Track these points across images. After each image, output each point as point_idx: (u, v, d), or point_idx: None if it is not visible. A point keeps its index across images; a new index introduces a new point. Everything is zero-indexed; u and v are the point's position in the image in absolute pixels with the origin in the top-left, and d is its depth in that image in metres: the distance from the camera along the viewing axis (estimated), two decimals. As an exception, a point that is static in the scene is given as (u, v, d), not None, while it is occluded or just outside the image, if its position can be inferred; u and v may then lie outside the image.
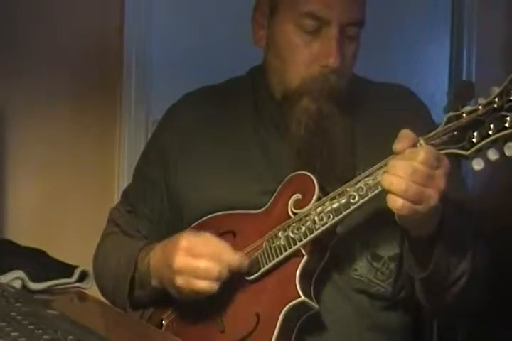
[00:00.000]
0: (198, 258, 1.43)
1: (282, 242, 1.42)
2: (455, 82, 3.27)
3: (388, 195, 1.30)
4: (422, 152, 1.29)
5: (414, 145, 1.31)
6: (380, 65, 2.88)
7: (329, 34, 1.47)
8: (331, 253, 1.44)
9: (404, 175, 1.28)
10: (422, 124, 1.54)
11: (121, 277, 1.59)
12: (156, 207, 1.66)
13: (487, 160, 1.28)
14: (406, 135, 1.32)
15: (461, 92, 3.05)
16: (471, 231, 1.49)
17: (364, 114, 1.58)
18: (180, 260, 1.44)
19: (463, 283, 1.45)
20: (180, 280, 1.44)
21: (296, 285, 1.40)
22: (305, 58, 1.49)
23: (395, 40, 3.11)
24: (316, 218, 1.39)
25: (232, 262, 1.43)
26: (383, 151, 1.35)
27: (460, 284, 1.45)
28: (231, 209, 1.54)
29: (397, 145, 1.31)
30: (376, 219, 1.46)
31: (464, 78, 3.27)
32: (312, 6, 1.48)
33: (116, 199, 2.01)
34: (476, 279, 1.47)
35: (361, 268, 1.51)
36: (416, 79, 3.01)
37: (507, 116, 1.25)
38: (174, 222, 1.65)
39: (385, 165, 1.33)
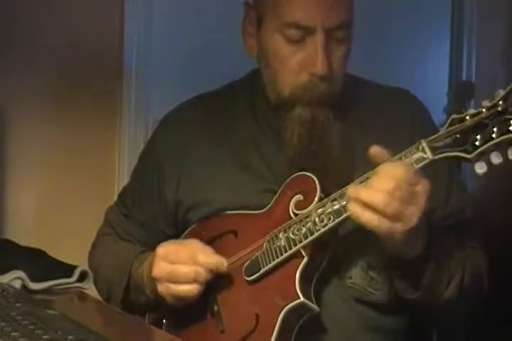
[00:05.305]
0: (174, 263, 1.45)
1: (283, 243, 1.42)
2: (455, 82, 3.27)
3: (364, 212, 1.29)
4: (400, 169, 1.29)
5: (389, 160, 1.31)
6: (379, 65, 2.89)
7: (314, 42, 1.45)
8: (328, 257, 1.43)
9: (386, 189, 1.27)
10: (423, 127, 1.55)
11: (115, 286, 1.60)
12: (150, 212, 1.66)
13: (490, 164, 1.26)
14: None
15: (461, 92, 3.06)
16: (462, 246, 1.49)
17: (363, 116, 1.57)
18: (157, 267, 1.47)
19: (454, 299, 1.45)
20: (160, 287, 1.47)
21: (295, 286, 1.39)
22: (293, 68, 1.48)
23: (394, 40, 3.11)
24: (316, 219, 1.38)
25: (208, 264, 1.44)
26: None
27: (452, 301, 1.45)
28: (231, 209, 1.54)
29: (374, 148, 1.32)
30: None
31: (464, 78, 3.27)
32: (295, 15, 1.45)
33: (116, 199, 2.01)
34: (470, 291, 1.48)
35: (356, 276, 1.49)
36: (416, 79, 3.01)
37: (511, 120, 1.25)
38: (165, 229, 1.65)
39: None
